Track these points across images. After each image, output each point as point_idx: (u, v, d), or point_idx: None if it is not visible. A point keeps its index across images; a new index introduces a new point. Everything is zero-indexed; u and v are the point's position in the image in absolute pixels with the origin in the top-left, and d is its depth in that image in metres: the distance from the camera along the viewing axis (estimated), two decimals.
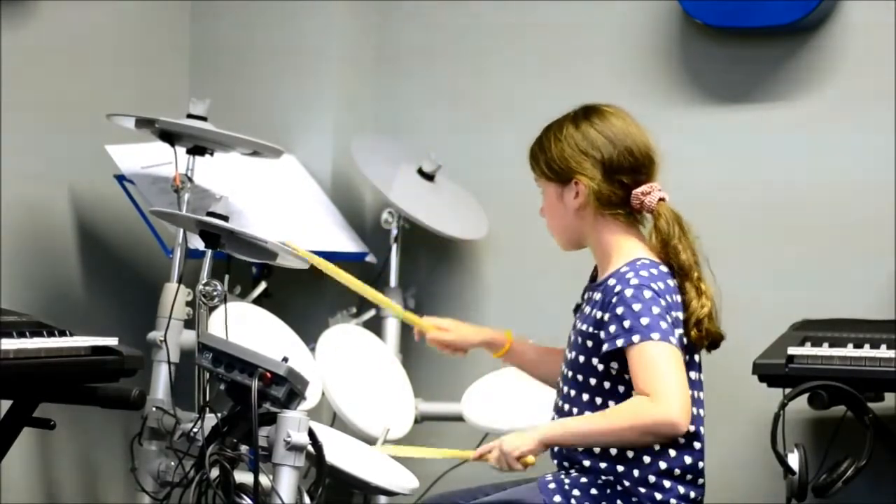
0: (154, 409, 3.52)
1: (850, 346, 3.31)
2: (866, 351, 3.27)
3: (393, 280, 4.18)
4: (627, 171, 2.94)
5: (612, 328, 2.84)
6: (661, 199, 2.95)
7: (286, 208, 4.12)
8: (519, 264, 4.31)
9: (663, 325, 2.81)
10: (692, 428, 2.85)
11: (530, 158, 3.03)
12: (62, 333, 3.18)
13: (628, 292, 2.83)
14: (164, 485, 3.54)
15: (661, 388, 2.77)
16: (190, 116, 3.65)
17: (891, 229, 3.88)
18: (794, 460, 3.08)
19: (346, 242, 4.19)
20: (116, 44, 4.23)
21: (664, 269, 2.91)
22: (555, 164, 2.97)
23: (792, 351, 3.30)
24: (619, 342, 2.82)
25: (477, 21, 4.41)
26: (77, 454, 4.08)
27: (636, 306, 2.81)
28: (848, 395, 3.12)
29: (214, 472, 2.90)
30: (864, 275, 3.92)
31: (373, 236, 4.32)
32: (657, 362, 2.79)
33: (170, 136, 3.64)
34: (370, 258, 4.23)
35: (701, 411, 2.94)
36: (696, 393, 2.91)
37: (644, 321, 2.80)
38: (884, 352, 3.26)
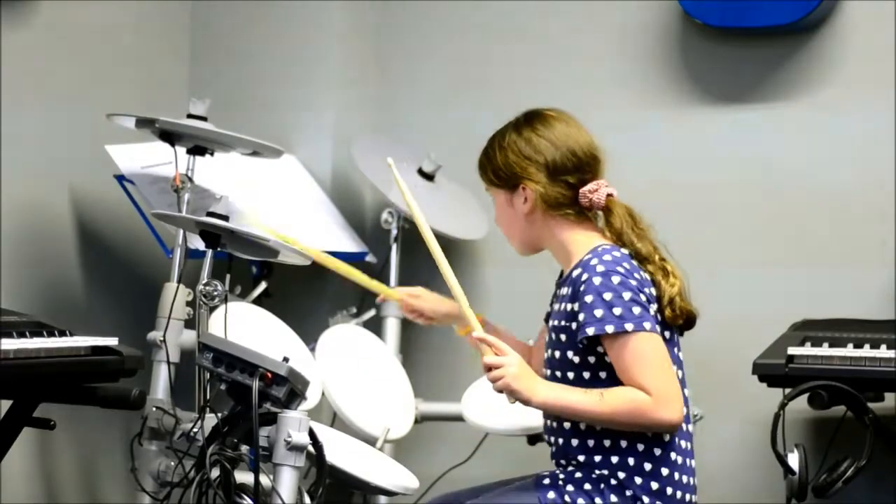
0: (154, 409, 3.51)
1: (850, 346, 3.31)
2: (866, 351, 3.27)
3: (393, 280, 4.18)
4: (572, 171, 2.99)
5: (582, 316, 2.87)
6: (609, 195, 2.98)
7: (286, 208, 4.12)
8: (519, 264, 4.29)
9: (636, 310, 2.84)
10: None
11: (479, 168, 3.11)
12: (62, 333, 3.18)
13: (596, 280, 2.86)
14: (164, 485, 3.54)
15: (658, 387, 2.82)
16: (190, 116, 3.65)
17: (891, 229, 3.88)
18: (794, 460, 3.09)
19: (346, 242, 4.19)
20: (116, 44, 4.23)
21: (626, 251, 2.95)
22: (501, 171, 3.03)
23: (792, 351, 3.30)
24: (590, 330, 2.85)
25: (477, 21, 4.41)
26: (77, 454, 4.08)
27: (606, 295, 2.84)
28: (848, 395, 3.12)
29: (215, 472, 2.90)
30: (864, 275, 3.92)
31: (373, 236, 4.32)
32: (645, 357, 2.83)
33: (170, 136, 3.64)
34: (370, 258, 4.23)
35: (686, 391, 2.96)
36: (677, 371, 2.93)
37: (616, 311, 2.83)
38: (884, 352, 3.26)
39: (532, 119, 3.04)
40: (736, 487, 3.91)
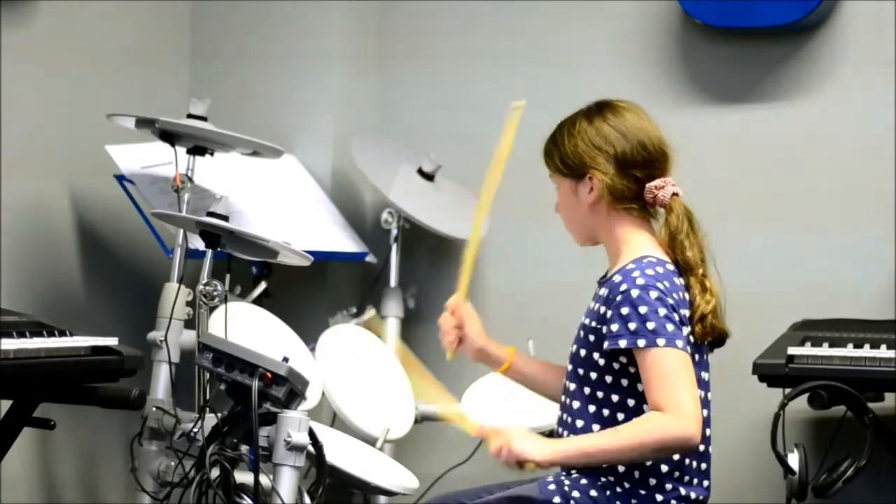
0: (154, 409, 3.51)
1: (850, 346, 3.31)
2: (866, 351, 3.27)
3: (393, 280, 4.18)
4: (640, 166, 2.94)
5: (615, 327, 2.83)
6: (675, 195, 2.95)
7: (286, 208, 4.12)
8: (519, 264, 4.31)
9: (669, 327, 2.80)
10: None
11: (544, 155, 3.03)
12: (62, 333, 3.18)
13: (634, 292, 2.82)
14: (164, 485, 3.54)
15: (676, 402, 2.76)
16: (190, 116, 3.65)
17: (891, 229, 3.88)
18: (794, 460, 3.08)
19: (346, 242, 4.19)
20: (116, 44, 4.23)
21: (670, 266, 2.91)
22: (568, 159, 2.97)
23: (792, 351, 3.30)
24: (622, 343, 2.81)
25: (477, 21, 4.41)
26: (77, 454, 4.09)
27: (642, 308, 2.81)
28: (848, 395, 3.12)
29: (214, 472, 2.90)
30: (864, 275, 3.93)
31: (373, 236, 4.32)
32: (669, 373, 2.78)
33: (170, 136, 3.64)
34: (370, 258, 4.23)
35: (707, 412, 2.92)
36: (703, 393, 2.91)
37: (650, 325, 2.80)
38: (884, 352, 3.26)
39: (603, 108, 2.98)
40: (736, 487, 3.91)
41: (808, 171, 4.02)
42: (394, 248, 4.19)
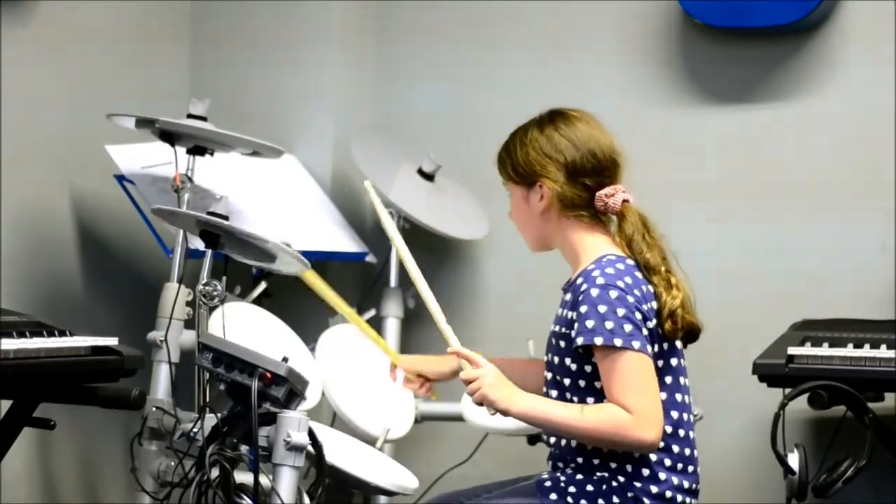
0: (154, 409, 3.51)
1: (850, 346, 3.31)
2: (866, 351, 3.27)
3: (393, 280, 4.18)
4: (591, 174, 2.97)
5: (576, 326, 2.87)
6: (626, 201, 2.98)
7: (286, 208, 4.12)
8: (519, 264, 4.31)
9: (628, 327, 2.82)
10: (669, 429, 2.88)
11: (497, 162, 3.09)
12: (62, 333, 3.18)
13: (594, 292, 2.85)
14: (164, 485, 3.54)
15: (640, 407, 2.81)
16: (190, 116, 3.65)
17: (891, 229, 3.89)
18: (794, 460, 3.08)
19: (346, 242, 4.19)
20: (116, 44, 4.23)
21: (630, 262, 2.94)
22: (520, 167, 3.02)
23: (792, 351, 3.30)
24: (580, 340, 2.85)
25: (477, 22, 4.41)
26: (77, 454, 4.09)
27: (601, 308, 2.84)
28: (848, 395, 3.12)
29: (214, 472, 2.90)
30: (864, 275, 3.93)
31: (373, 236, 4.32)
32: (629, 374, 2.82)
33: (170, 136, 3.64)
34: (370, 258, 4.23)
35: (687, 398, 2.95)
36: (680, 378, 2.93)
37: (608, 325, 2.82)
38: (884, 352, 3.26)
39: (555, 117, 3.02)
40: (736, 487, 3.91)
41: (808, 171, 4.02)
42: (393, 248, 4.19)
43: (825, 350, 3.30)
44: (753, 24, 3.97)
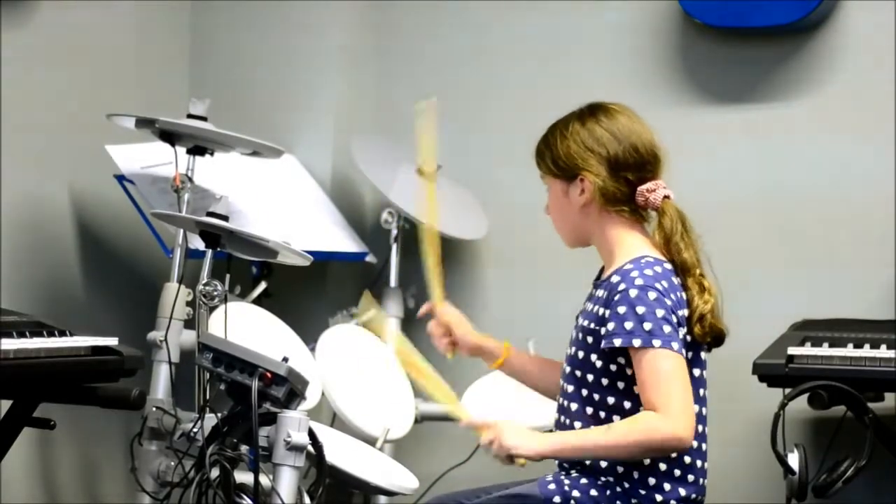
0: (154, 409, 3.52)
1: (850, 346, 3.31)
2: (866, 351, 3.27)
3: (393, 280, 4.18)
4: (632, 168, 2.94)
5: (612, 325, 2.83)
6: (667, 197, 2.95)
7: (286, 208, 4.12)
8: (519, 264, 4.31)
9: (666, 328, 2.80)
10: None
11: (536, 155, 3.03)
12: (62, 333, 3.18)
13: (632, 292, 2.82)
14: (164, 485, 3.54)
15: (669, 404, 2.77)
16: (190, 116, 3.65)
17: (891, 229, 3.88)
18: (794, 460, 3.08)
19: (346, 242, 4.19)
20: (116, 44, 4.23)
21: (668, 266, 2.91)
22: (560, 160, 2.97)
23: (792, 351, 3.30)
24: (617, 341, 2.82)
25: (477, 22, 4.41)
26: (77, 454, 4.09)
27: (640, 308, 2.81)
28: (848, 395, 3.12)
29: (214, 472, 2.90)
30: (864, 275, 3.92)
31: (373, 236, 4.32)
32: (664, 374, 2.79)
33: (170, 136, 3.64)
34: (370, 258, 4.23)
35: (704, 409, 2.94)
36: (700, 391, 2.91)
37: (647, 326, 2.80)
38: (884, 352, 3.26)
39: (596, 110, 2.98)
40: (736, 487, 3.91)
41: (808, 171, 4.02)
42: (394, 248, 4.19)
43: (825, 350, 3.30)
44: (753, 24, 3.97)
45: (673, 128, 4.13)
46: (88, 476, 4.13)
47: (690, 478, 2.89)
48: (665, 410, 2.76)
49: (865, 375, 3.22)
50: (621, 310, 2.82)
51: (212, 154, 3.73)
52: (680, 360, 2.81)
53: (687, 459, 2.88)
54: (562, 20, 4.30)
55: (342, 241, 4.18)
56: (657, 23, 4.19)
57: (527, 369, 3.19)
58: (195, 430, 3.22)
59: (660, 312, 2.81)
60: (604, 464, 2.88)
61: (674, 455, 2.86)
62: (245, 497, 2.92)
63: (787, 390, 3.14)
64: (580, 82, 4.22)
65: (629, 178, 2.94)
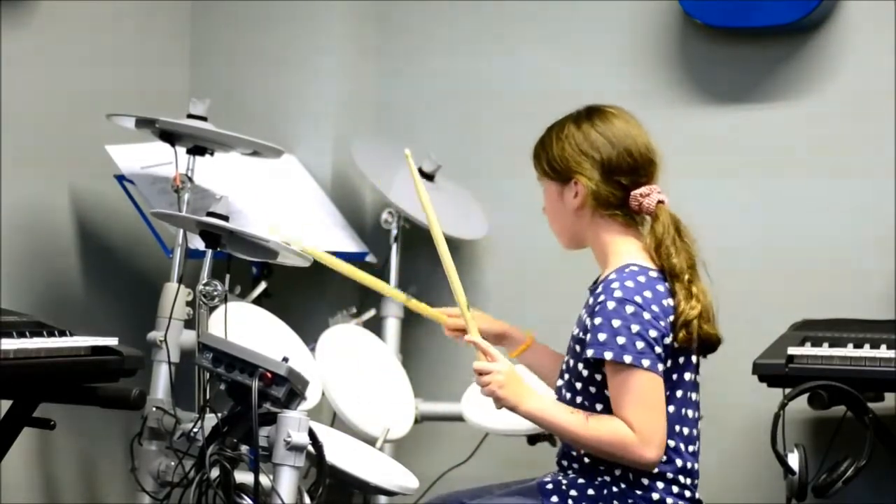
0: (154, 409, 3.52)
1: (850, 346, 3.31)
2: (866, 351, 3.27)
3: (393, 280, 4.18)
4: (626, 173, 2.94)
5: (589, 336, 2.85)
6: (661, 202, 2.95)
7: (286, 208, 4.12)
8: (519, 264, 4.32)
9: (640, 344, 2.80)
10: (672, 443, 2.87)
11: (533, 157, 3.03)
12: (62, 333, 3.18)
13: (610, 304, 2.82)
14: (164, 485, 3.54)
15: (644, 426, 2.79)
16: (190, 116, 3.65)
17: (891, 229, 3.88)
18: (794, 460, 3.08)
19: (346, 242, 4.19)
20: (116, 44, 4.23)
21: (654, 273, 2.90)
22: (555, 162, 2.97)
23: (792, 351, 3.30)
24: (590, 352, 2.83)
25: (477, 22, 4.41)
26: (77, 454, 4.09)
27: (615, 322, 2.81)
28: (848, 395, 3.12)
29: (214, 472, 2.90)
30: (864, 275, 3.92)
31: (373, 236, 4.32)
32: (635, 392, 2.80)
33: (170, 136, 3.64)
34: (370, 258, 4.23)
35: (695, 413, 2.94)
36: (690, 394, 2.91)
37: (620, 340, 2.80)
38: (884, 352, 3.26)
39: (592, 113, 2.98)
40: (736, 487, 3.91)
41: (808, 171, 4.02)
42: (394, 248, 4.20)
43: (825, 350, 3.30)
44: (753, 24, 3.97)
45: (673, 128, 4.16)
46: (88, 476, 4.13)
47: (682, 480, 2.90)
48: (640, 432, 2.79)
49: (865, 375, 3.22)
50: (598, 321, 2.83)
51: (212, 154, 3.73)
52: (652, 377, 2.81)
53: (679, 463, 2.89)
54: (563, 20, 4.30)
55: (342, 241, 4.18)
56: (657, 23, 4.19)
57: (545, 362, 3.19)
58: (195, 430, 3.22)
59: (634, 328, 2.81)
60: (602, 465, 2.89)
61: (665, 458, 2.86)
62: (245, 497, 2.91)
63: (787, 390, 3.15)
64: (580, 82, 4.23)
65: (623, 182, 2.93)
